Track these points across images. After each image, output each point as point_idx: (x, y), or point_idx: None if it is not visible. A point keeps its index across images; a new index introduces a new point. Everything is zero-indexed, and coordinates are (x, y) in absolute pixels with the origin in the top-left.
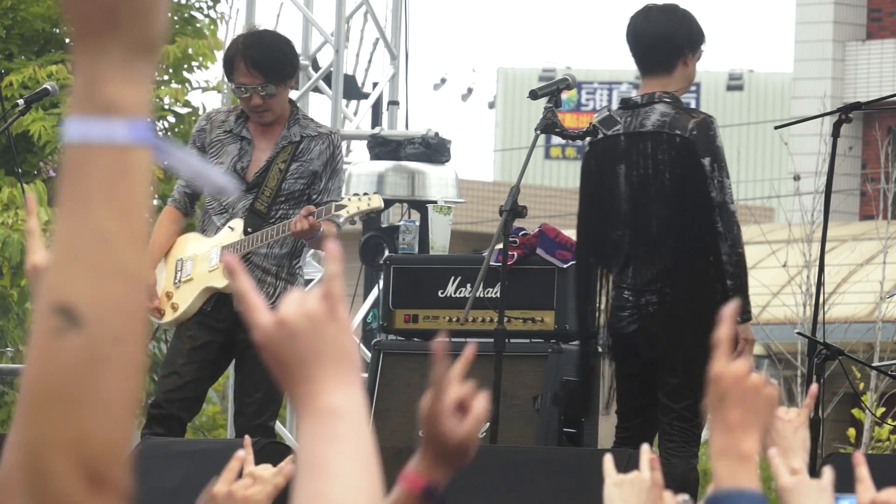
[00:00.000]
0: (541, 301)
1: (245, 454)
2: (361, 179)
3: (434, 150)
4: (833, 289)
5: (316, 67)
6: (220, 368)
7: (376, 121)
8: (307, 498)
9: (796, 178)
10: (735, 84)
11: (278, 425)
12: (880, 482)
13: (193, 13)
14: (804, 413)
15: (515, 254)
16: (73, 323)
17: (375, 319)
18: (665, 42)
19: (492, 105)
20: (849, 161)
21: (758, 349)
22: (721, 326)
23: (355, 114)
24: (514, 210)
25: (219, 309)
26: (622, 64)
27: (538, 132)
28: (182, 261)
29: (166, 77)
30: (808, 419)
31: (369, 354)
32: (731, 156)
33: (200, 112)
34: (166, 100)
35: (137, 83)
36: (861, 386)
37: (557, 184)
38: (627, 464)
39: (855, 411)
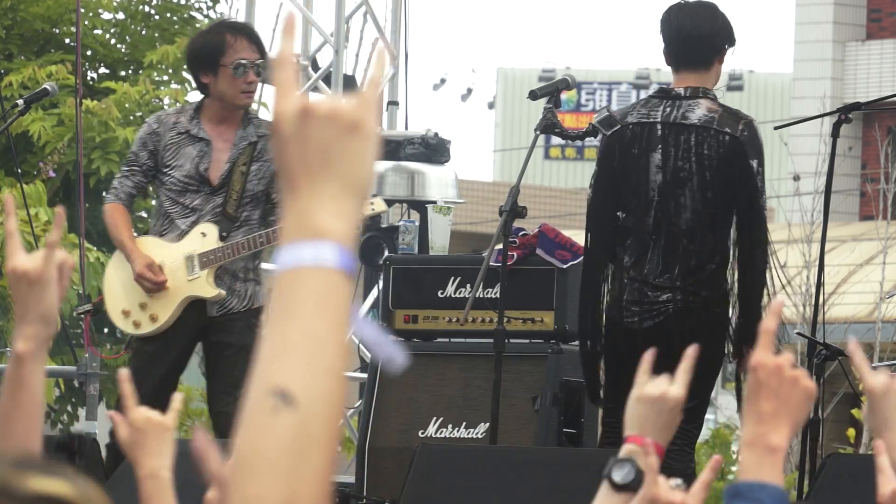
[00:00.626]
0: (540, 301)
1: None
2: None
3: (434, 150)
4: (833, 289)
5: (316, 67)
6: (179, 371)
7: None
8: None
9: (796, 178)
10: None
11: None
12: None
13: (193, 13)
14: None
15: (515, 254)
16: (289, 403)
17: (375, 320)
18: (710, 39)
19: (491, 105)
20: (848, 161)
21: None
22: (768, 318)
23: None
24: (513, 210)
25: (189, 314)
26: (622, 64)
27: (538, 132)
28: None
29: (166, 77)
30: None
31: (369, 355)
32: None
33: None
34: (166, 100)
35: (345, 218)
36: (861, 386)
37: (557, 184)
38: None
39: (855, 411)
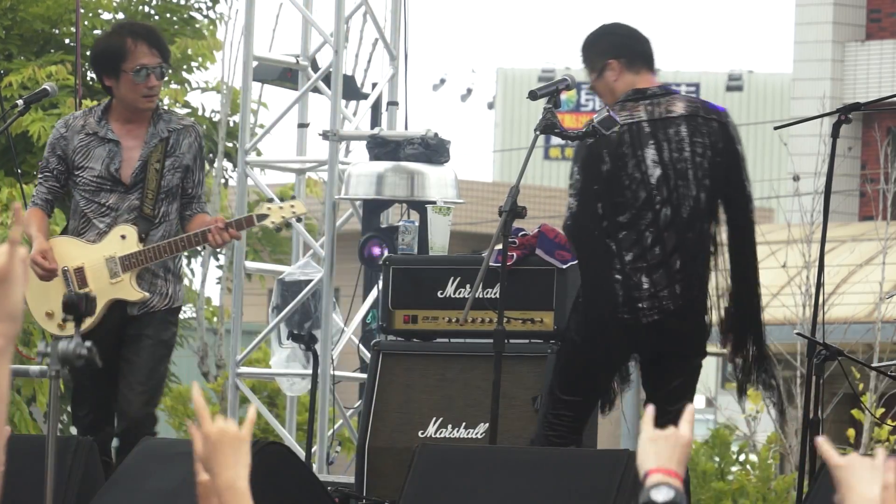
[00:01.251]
0: (540, 301)
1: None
2: (361, 180)
3: (433, 150)
4: (832, 289)
5: (315, 68)
6: (112, 371)
7: (375, 121)
8: None
9: (796, 178)
10: (734, 84)
11: (277, 425)
12: None
13: (192, 14)
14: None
15: (515, 254)
16: None
17: (375, 320)
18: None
19: (491, 105)
20: (848, 162)
21: None
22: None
23: (354, 114)
24: (513, 210)
25: (112, 313)
26: None
27: (537, 133)
28: (68, 271)
29: (166, 78)
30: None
31: (368, 355)
32: None
33: (200, 113)
34: (165, 101)
35: None
36: (860, 387)
37: (557, 184)
38: (628, 462)
39: (854, 412)
